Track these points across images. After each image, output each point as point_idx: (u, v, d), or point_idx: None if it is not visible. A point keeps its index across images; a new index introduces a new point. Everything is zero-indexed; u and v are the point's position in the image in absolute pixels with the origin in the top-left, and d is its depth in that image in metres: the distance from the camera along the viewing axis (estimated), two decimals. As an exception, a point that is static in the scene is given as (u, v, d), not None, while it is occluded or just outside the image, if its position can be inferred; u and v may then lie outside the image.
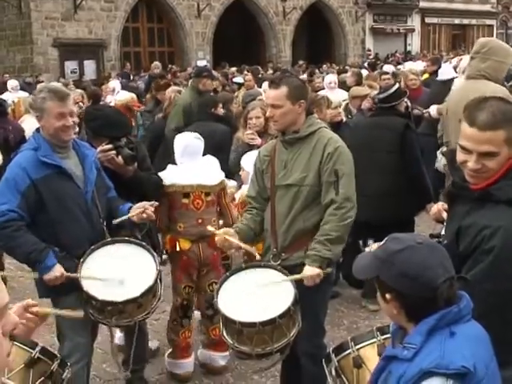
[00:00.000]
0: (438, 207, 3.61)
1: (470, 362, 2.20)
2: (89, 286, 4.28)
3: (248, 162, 5.85)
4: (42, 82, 18.34)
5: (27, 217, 4.30)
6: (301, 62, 26.47)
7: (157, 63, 19.89)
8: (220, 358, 5.67)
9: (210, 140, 7.13)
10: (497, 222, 2.80)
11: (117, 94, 11.58)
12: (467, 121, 2.89)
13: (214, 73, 14.48)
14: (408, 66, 17.23)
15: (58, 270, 4.26)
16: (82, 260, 4.32)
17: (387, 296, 2.36)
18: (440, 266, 2.36)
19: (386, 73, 11.76)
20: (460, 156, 2.96)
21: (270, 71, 22.18)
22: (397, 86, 6.93)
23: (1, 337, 1.35)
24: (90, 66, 26.82)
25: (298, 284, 4.17)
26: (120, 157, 4.90)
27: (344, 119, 7.80)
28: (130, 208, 4.64)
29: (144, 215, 4.55)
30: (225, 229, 4.55)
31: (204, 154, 5.56)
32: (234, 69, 21.06)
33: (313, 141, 4.38)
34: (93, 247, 4.39)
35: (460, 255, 2.85)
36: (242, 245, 4.39)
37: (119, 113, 5.50)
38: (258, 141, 6.42)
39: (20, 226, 4.24)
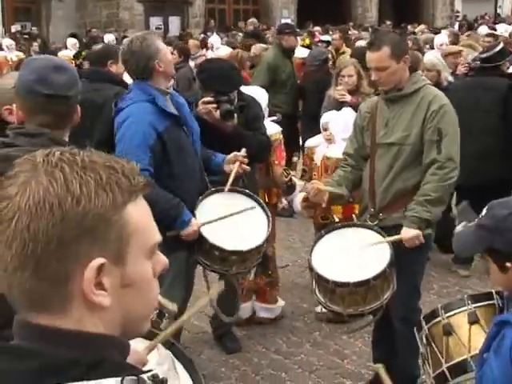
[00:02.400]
0: None
1: None
2: (212, 237, 4.23)
3: (332, 121, 5.75)
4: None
5: (154, 172, 4.10)
6: (388, 23, 25.81)
7: (253, 20, 19.65)
8: (260, 309, 5.72)
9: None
10: None
11: (217, 50, 11.60)
12: None
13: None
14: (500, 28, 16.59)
15: (195, 224, 4.19)
16: (194, 210, 4.27)
17: (508, 264, 2.20)
18: None
19: (492, 35, 11.24)
20: None
21: (354, 31, 21.70)
22: (502, 45, 6.64)
23: (151, 277, 1.31)
24: (174, 23, 26.81)
25: (395, 245, 4.06)
26: (218, 111, 4.82)
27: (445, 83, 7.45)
28: (224, 160, 4.54)
29: (240, 169, 4.47)
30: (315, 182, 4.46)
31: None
32: (317, 28, 20.69)
33: (417, 98, 4.21)
34: (201, 197, 4.35)
35: None
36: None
37: (230, 67, 5.17)
38: (348, 98, 6.41)
39: (153, 184, 4.15)
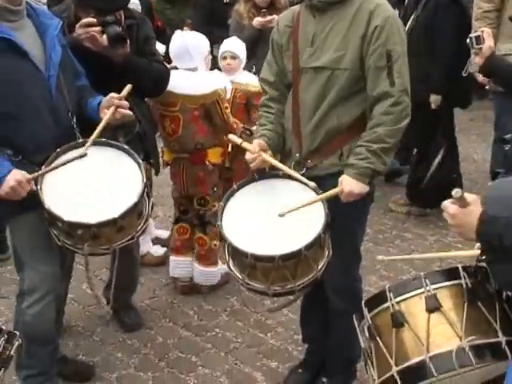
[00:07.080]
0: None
1: None
2: (52, 202, 3.12)
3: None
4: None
5: None
6: None
7: None
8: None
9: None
10: None
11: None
12: None
13: None
14: None
15: (14, 178, 3.06)
16: (43, 167, 3.17)
17: None
18: None
19: None
20: None
21: None
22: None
23: None
24: None
25: (329, 200, 3.07)
26: (105, 36, 3.66)
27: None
28: (100, 103, 3.43)
29: (117, 115, 3.36)
30: (258, 142, 3.28)
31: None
32: None
33: (353, 7, 3.14)
34: (58, 150, 3.23)
35: None
36: (284, 167, 3.21)
37: None
38: (275, 19, 5.29)
39: None
